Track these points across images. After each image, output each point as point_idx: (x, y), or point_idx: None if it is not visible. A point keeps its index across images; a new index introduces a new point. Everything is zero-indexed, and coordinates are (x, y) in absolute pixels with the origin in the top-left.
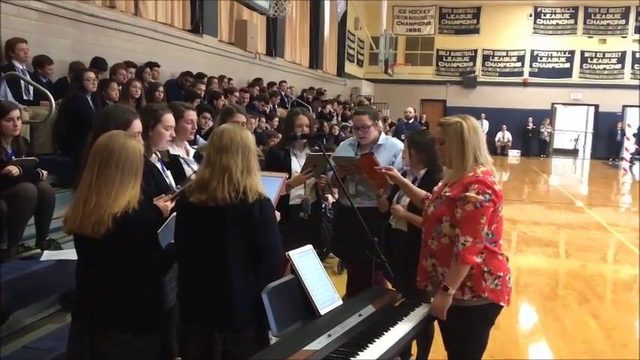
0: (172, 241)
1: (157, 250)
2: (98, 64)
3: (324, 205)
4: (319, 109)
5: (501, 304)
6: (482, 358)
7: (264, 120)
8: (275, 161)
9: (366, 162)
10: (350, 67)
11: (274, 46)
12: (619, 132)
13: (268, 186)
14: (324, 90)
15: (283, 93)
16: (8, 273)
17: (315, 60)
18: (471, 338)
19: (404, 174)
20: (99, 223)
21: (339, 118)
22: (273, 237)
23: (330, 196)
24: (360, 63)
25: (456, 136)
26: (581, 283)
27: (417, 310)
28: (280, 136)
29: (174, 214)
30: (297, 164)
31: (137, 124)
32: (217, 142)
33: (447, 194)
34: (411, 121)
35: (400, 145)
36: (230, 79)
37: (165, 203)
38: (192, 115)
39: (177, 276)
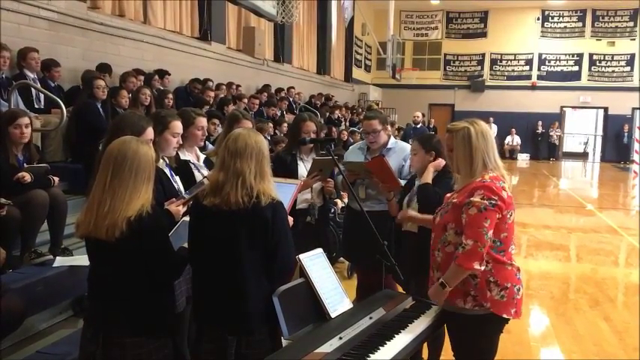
0: (183, 245)
1: (169, 254)
2: (102, 68)
3: (332, 210)
4: (327, 114)
5: (504, 316)
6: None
7: (271, 125)
8: (282, 166)
9: (377, 164)
10: (357, 73)
11: (282, 52)
12: (625, 134)
13: (283, 192)
14: (332, 95)
15: (291, 99)
16: (22, 279)
17: (323, 66)
18: (474, 347)
19: (413, 177)
20: (113, 226)
21: (347, 124)
22: (286, 240)
23: (339, 201)
24: (367, 68)
25: (464, 142)
26: (593, 286)
27: (428, 312)
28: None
29: (184, 218)
30: (303, 169)
31: (150, 132)
32: (232, 145)
33: (454, 201)
34: (419, 126)
35: (409, 148)
36: (238, 86)
37: (177, 207)
38: (202, 121)
39: (190, 279)
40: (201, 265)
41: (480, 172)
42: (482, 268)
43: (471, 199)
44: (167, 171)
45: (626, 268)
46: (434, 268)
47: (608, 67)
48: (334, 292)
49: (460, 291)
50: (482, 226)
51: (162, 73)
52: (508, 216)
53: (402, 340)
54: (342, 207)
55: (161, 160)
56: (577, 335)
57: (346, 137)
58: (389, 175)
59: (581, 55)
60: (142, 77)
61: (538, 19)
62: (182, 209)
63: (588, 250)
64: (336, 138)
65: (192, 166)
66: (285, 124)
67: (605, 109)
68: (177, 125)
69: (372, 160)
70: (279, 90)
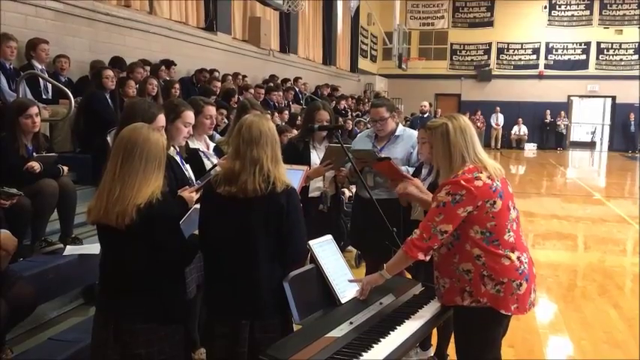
0: (194, 232)
1: (180, 241)
2: (119, 64)
3: (340, 199)
4: (333, 103)
5: (502, 311)
6: (503, 347)
7: (276, 114)
8: (294, 153)
9: (385, 167)
10: (363, 63)
11: (288, 42)
12: (632, 123)
13: (291, 178)
14: (339, 87)
15: (297, 89)
16: (33, 267)
17: (329, 56)
18: (472, 340)
19: (420, 166)
20: (123, 213)
21: (353, 114)
22: (299, 226)
23: (346, 190)
24: (373, 58)
25: (442, 139)
26: (601, 274)
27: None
28: (294, 131)
29: (196, 205)
30: (316, 157)
31: (161, 119)
32: (246, 134)
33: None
34: (425, 116)
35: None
36: (244, 76)
37: (190, 194)
38: (211, 110)
39: (201, 266)
40: (215, 252)
41: (458, 167)
42: (427, 258)
43: (437, 194)
44: (178, 158)
45: (634, 257)
46: (434, 267)
47: (616, 55)
48: (344, 277)
49: (457, 289)
50: (432, 219)
51: (168, 64)
52: (488, 205)
53: (411, 326)
54: (350, 196)
55: (172, 148)
56: (586, 322)
57: (351, 127)
58: (398, 175)
59: (588, 44)
60: (148, 67)
61: (545, 7)
62: (195, 196)
63: (596, 238)
64: (343, 125)
65: (202, 154)
66: (287, 113)
67: (613, 98)
68: (190, 115)
69: (380, 164)
70: (285, 80)
